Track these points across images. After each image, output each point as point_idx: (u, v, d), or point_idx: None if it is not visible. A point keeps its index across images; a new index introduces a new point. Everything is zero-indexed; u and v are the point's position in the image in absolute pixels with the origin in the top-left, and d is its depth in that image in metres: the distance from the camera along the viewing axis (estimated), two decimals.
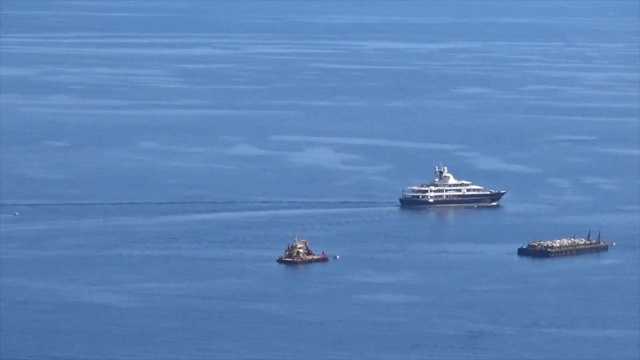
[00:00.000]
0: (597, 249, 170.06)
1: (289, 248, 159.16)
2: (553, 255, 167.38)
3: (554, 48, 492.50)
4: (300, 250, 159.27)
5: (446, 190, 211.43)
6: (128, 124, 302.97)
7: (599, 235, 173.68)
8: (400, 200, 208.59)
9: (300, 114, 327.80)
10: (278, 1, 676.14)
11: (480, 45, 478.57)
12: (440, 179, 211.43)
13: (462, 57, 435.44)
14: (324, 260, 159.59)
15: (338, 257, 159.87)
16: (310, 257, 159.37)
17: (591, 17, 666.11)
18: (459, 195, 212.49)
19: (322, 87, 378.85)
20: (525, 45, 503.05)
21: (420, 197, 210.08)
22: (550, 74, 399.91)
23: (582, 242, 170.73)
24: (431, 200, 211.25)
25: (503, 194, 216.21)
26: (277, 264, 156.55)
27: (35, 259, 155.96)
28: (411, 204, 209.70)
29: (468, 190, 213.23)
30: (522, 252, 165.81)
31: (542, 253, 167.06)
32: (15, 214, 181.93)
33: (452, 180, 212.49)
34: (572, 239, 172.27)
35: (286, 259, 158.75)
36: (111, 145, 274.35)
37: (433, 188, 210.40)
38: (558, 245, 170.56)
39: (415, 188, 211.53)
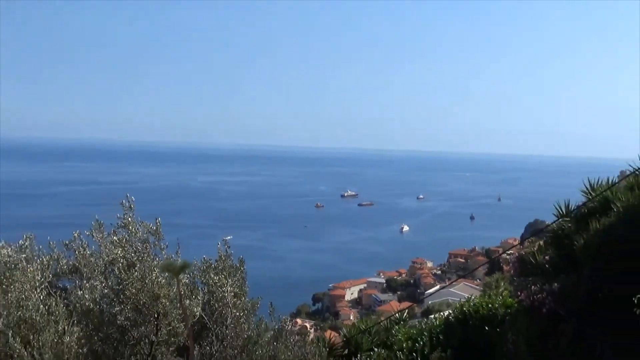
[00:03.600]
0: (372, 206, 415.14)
1: (316, 204, 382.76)
2: (364, 206, 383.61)
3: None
4: (319, 205, 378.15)
5: (349, 194, 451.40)
6: (277, 184, 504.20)
7: (370, 202, 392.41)
8: (340, 196, 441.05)
9: (315, 182, 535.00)
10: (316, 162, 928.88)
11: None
12: (347, 191, 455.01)
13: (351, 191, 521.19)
14: (321, 207, 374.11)
15: (323, 206, 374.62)
16: (321, 207, 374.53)
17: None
18: (350, 195, 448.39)
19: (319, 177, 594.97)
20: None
21: (344, 195, 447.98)
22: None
23: (370, 203, 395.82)
24: (346, 195, 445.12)
25: (357, 194, 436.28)
26: (315, 207, 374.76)
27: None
28: (342, 196, 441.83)
29: (351, 193, 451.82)
30: (359, 205, 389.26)
31: (364, 205, 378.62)
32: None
33: (350, 190, 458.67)
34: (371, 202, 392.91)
35: (316, 207, 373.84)
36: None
37: (346, 192, 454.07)
38: (367, 203, 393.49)
39: (343, 193, 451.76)
